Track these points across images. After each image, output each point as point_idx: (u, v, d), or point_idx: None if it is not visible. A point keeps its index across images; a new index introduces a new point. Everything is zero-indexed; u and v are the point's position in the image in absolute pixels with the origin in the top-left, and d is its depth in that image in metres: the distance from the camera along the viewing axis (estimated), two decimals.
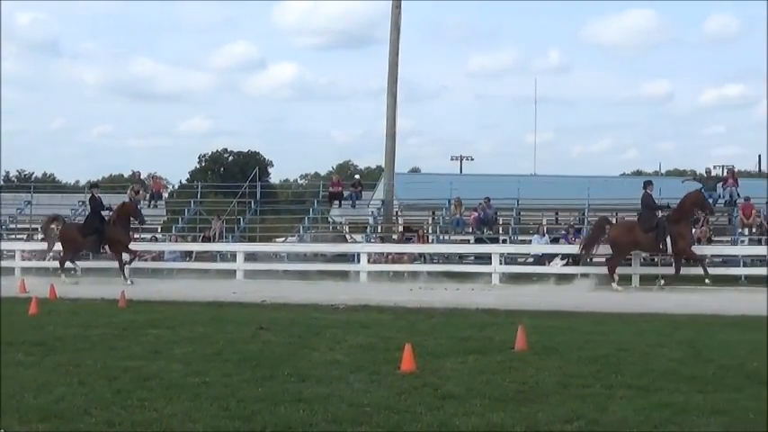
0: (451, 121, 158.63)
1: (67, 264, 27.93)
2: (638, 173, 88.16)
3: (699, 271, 25.58)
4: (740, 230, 30.46)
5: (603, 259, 25.80)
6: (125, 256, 27.70)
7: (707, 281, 24.83)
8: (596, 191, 34.07)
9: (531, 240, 30.88)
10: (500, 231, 33.74)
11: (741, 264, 28.13)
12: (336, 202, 36.76)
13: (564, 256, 28.29)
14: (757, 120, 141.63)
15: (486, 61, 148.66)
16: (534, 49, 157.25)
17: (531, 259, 29.96)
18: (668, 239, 24.86)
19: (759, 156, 74.84)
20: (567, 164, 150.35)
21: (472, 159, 69.81)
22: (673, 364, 10.84)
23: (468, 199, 33.43)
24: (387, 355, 11.34)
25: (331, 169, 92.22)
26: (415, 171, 75.62)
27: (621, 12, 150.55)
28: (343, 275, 28.40)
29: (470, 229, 32.89)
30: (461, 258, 30.90)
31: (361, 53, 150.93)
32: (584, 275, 26.58)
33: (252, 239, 33.92)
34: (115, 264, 27.80)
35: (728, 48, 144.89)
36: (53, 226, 28.90)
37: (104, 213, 28.00)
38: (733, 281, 26.61)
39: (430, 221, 38.18)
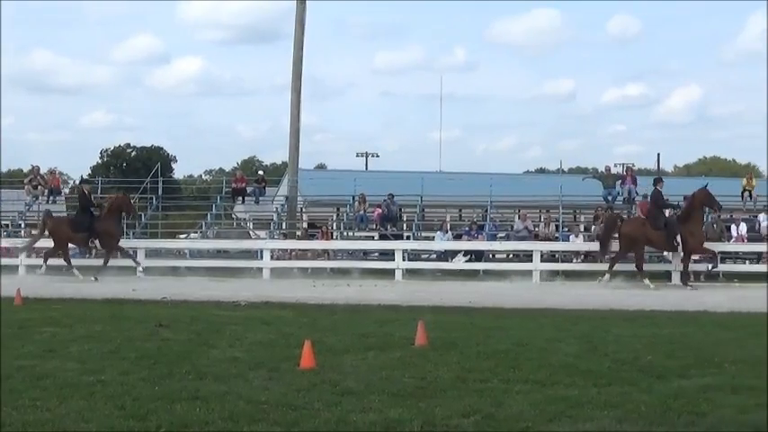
0: (358, 118, 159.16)
1: (50, 261, 27.53)
2: (542, 170, 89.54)
3: (598, 267, 26.16)
4: None
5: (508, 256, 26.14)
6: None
7: (720, 276, 25.99)
8: (499, 188, 34.43)
9: (434, 237, 31.05)
10: (404, 228, 33.93)
11: None
12: (240, 198, 36.52)
13: (466, 253, 28.56)
14: (657, 119, 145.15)
15: (393, 58, 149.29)
16: (440, 47, 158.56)
17: (434, 255, 30.16)
18: (679, 237, 25.19)
19: (658, 154, 76.50)
20: (472, 161, 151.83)
21: (378, 156, 70.05)
22: (569, 358, 11.00)
23: (373, 195, 33.51)
24: (287, 351, 11.29)
25: (236, 165, 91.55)
26: (321, 167, 75.66)
27: (527, 11, 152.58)
28: (247, 272, 28.23)
29: (374, 226, 32.97)
30: (365, 255, 30.98)
31: (267, 48, 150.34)
32: (487, 272, 26.89)
33: (154, 236, 33.51)
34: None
35: (630, 48, 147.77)
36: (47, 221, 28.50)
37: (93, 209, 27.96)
38: (631, 277, 27.12)
39: (334, 218, 38.20)
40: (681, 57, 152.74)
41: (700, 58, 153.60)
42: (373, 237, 32.73)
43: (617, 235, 25.75)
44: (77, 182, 36.86)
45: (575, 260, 28.70)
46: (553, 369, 10.14)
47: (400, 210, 34.41)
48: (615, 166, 37.07)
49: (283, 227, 34.60)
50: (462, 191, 37.06)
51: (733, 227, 29.20)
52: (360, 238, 32.49)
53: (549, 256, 28.96)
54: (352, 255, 30.76)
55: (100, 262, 27.73)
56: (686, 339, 12.85)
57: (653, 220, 25.62)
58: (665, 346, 12.05)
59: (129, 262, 27.97)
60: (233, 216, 38.30)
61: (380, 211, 32.29)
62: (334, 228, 34.64)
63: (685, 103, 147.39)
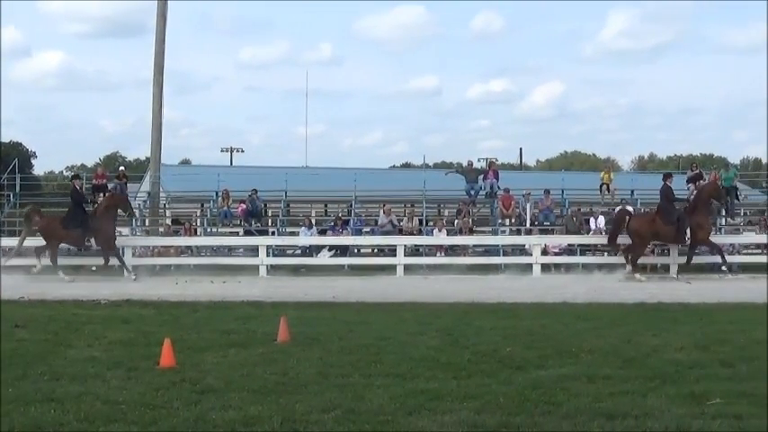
0: (223, 113, 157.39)
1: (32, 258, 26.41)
2: (407, 165, 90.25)
3: (462, 260, 26.54)
4: (500, 221, 31.58)
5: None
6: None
7: (723, 268, 26.09)
8: (364, 183, 34.55)
9: (299, 232, 30.97)
10: (269, 223, 33.74)
11: (501, 253, 29.22)
12: (101, 194, 35.72)
13: (331, 248, 28.59)
14: (519, 114, 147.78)
15: (258, 53, 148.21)
16: (306, 42, 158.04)
17: (299, 251, 30.10)
18: (688, 230, 25.67)
19: (520, 149, 78.05)
20: (338, 156, 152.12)
21: (242, 151, 69.59)
22: (431, 351, 11.12)
23: (237, 191, 33.21)
24: (146, 350, 11.12)
25: (98, 161, 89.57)
26: (186, 163, 74.53)
27: (393, 8, 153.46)
28: (109, 270, 27.66)
29: (239, 222, 32.71)
30: (230, 251, 30.70)
31: (131, 42, 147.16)
32: (352, 267, 26.98)
33: (12, 234, 32.47)
34: None
35: (493, 45, 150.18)
36: (35, 218, 27.25)
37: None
38: (494, 269, 27.64)
39: (198, 213, 37.72)
40: (543, 53, 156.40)
41: (561, 54, 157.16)
42: (238, 233, 32.45)
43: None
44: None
45: (438, 254, 29.00)
46: (414, 362, 10.24)
47: (265, 205, 34.19)
48: (479, 160, 37.65)
49: (146, 223, 34.00)
50: (327, 186, 37.08)
51: (591, 219, 29.97)
52: (224, 234, 32.18)
53: (413, 250, 29.21)
54: (216, 251, 30.45)
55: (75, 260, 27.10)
56: (545, 330, 13.14)
57: (665, 214, 26.09)
58: (524, 338, 12.29)
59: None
60: None
61: (244, 206, 32.04)
62: (198, 224, 34.20)
63: (547, 99, 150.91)
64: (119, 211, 27.54)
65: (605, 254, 29.34)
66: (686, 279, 24.87)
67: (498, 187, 32.60)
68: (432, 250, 29.34)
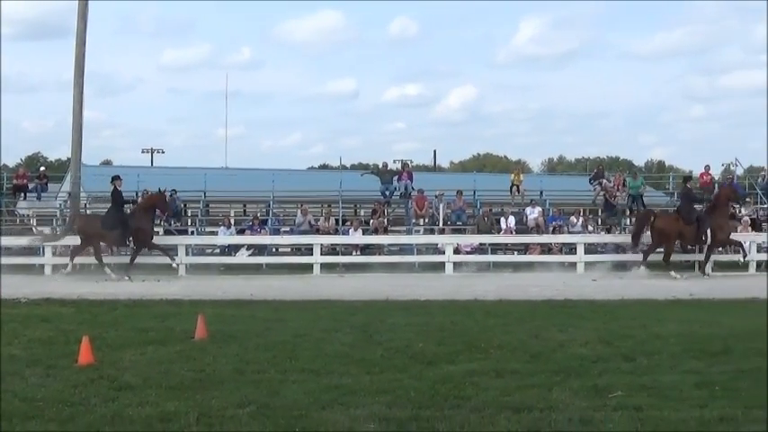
0: (145, 114, 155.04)
1: (74, 261, 25.89)
2: (325, 166, 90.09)
3: (376, 259, 26.63)
4: (414, 221, 31.73)
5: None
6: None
7: (740, 261, 26.62)
8: (282, 183, 34.42)
9: (218, 232, 30.72)
10: (188, 223, 33.43)
11: (415, 251, 29.39)
12: (21, 194, 35.14)
13: (249, 247, 28.44)
14: (434, 117, 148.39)
15: (180, 56, 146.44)
16: (227, 46, 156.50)
17: (217, 250, 29.89)
18: (708, 231, 25.90)
19: (434, 151, 78.54)
20: (257, 157, 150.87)
21: (163, 152, 68.66)
22: (345, 347, 11.16)
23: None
24: (65, 348, 10.99)
25: (20, 161, 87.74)
26: (107, 163, 73.32)
27: (312, 12, 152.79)
28: (29, 269, 27.14)
29: (159, 221, 32.30)
30: (149, 250, 30.27)
31: (54, 44, 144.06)
32: (270, 266, 26.87)
33: None
34: None
35: (409, 49, 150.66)
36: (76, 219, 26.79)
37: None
38: (408, 268, 27.75)
39: None
40: (457, 59, 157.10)
41: (475, 60, 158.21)
42: (158, 232, 32.04)
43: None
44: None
45: (354, 253, 29.03)
46: (329, 358, 10.28)
47: (184, 205, 33.87)
48: (394, 162, 37.67)
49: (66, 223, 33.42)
50: (246, 186, 36.86)
51: (502, 219, 30.26)
52: None
53: (330, 250, 29.21)
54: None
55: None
56: (456, 327, 13.25)
57: (686, 215, 26.23)
58: (436, 334, 12.40)
59: None
60: (15, 213, 36.72)
61: None
62: None
63: (461, 103, 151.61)
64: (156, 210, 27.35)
65: (515, 252, 29.73)
66: (681, 275, 25.45)
67: (412, 188, 32.72)
68: (348, 249, 29.33)
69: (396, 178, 33.47)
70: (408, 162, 36.98)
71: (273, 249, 29.44)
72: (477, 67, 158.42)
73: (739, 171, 36.94)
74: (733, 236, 27.24)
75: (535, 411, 7.70)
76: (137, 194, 32.76)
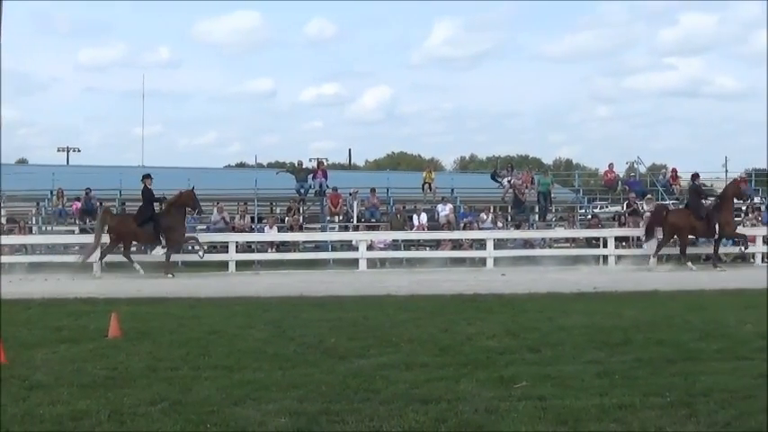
0: (61, 113, 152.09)
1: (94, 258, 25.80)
2: (242, 165, 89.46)
3: (290, 257, 26.52)
4: (329, 218, 31.72)
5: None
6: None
7: (741, 250, 27.86)
8: (198, 182, 34.02)
9: None
10: None
11: (330, 248, 29.42)
12: None
13: (164, 245, 28.11)
14: (350, 116, 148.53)
15: (97, 55, 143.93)
16: (144, 45, 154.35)
17: (133, 248, 29.46)
18: (717, 225, 26.84)
19: (349, 150, 78.65)
20: (175, 156, 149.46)
21: (79, 151, 67.51)
22: (258, 343, 11.10)
23: (73, 190, 32.40)
24: None
25: None
26: (23, 162, 71.82)
27: (230, 12, 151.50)
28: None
29: (74, 220, 31.82)
30: (65, 249, 29.77)
31: None
32: (185, 263, 26.62)
33: None
34: None
35: (326, 50, 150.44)
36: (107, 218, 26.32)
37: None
38: (323, 264, 27.78)
39: (33, 212, 36.45)
40: (373, 59, 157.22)
41: (390, 61, 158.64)
42: (74, 231, 31.53)
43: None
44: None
45: (269, 250, 28.91)
46: (242, 354, 10.21)
47: (100, 204, 33.30)
48: (310, 160, 37.62)
49: None
50: (162, 185, 36.34)
51: (415, 216, 30.44)
52: (60, 233, 31.21)
53: (246, 247, 29.05)
54: (51, 249, 29.47)
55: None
56: (368, 322, 13.24)
57: (696, 210, 27.21)
58: (348, 329, 12.38)
59: None
60: None
61: (79, 205, 31.19)
62: (33, 222, 33.04)
63: (377, 103, 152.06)
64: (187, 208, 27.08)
65: (427, 248, 29.92)
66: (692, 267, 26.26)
67: (327, 186, 32.74)
68: (263, 246, 29.23)
69: (311, 176, 33.44)
70: (324, 160, 36.90)
71: (189, 248, 29.14)
72: (392, 68, 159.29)
73: (642, 169, 37.69)
74: (738, 229, 28.39)
75: (443, 403, 7.75)
76: (51, 193, 32.30)
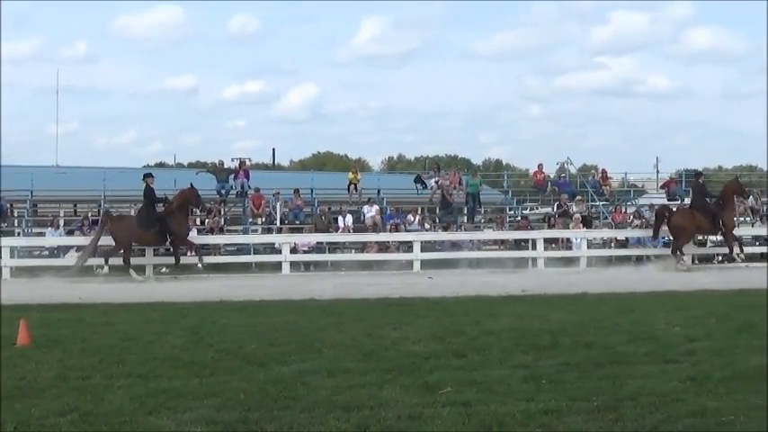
0: None
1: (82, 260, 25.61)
2: (162, 164, 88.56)
3: (211, 260, 26.38)
4: (251, 220, 31.55)
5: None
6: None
7: (741, 257, 28.05)
8: (115, 182, 33.68)
9: (45, 233, 29.80)
10: (15, 224, 32.29)
11: (252, 251, 29.26)
12: None
13: (79, 249, 27.65)
14: (275, 115, 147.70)
15: (8, 49, 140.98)
16: (59, 40, 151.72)
17: (46, 252, 29.01)
18: (721, 222, 27.83)
19: (273, 149, 78.28)
20: (92, 155, 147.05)
21: None
22: (175, 350, 11.01)
23: None
24: None
25: None
26: None
27: (150, 7, 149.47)
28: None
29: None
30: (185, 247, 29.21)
31: None
32: (100, 266, 26.25)
33: None
34: None
35: (250, 46, 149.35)
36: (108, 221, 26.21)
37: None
38: (245, 268, 27.63)
39: None
40: (299, 56, 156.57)
41: (316, 58, 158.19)
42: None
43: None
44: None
45: (188, 253, 28.49)
46: (157, 362, 10.12)
47: (11, 205, 32.71)
48: (233, 160, 37.26)
49: None
50: (77, 185, 35.92)
51: (340, 218, 30.44)
52: None
53: (164, 250, 28.70)
54: None
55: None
56: (290, 327, 13.20)
57: (702, 209, 27.93)
58: (269, 334, 12.34)
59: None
60: None
61: None
62: None
63: (302, 101, 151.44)
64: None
65: (353, 251, 29.92)
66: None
67: (249, 186, 32.54)
68: (182, 250, 28.89)
69: (232, 177, 33.20)
70: (246, 160, 36.58)
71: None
72: (318, 66, 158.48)
73: (572, 170, 38.15)
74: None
75: (365, 409, 7.77)
76: None
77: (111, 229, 25.94)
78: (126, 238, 25.76)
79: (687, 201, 34.08)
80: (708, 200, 28.53)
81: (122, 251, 25.72)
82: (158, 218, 25.81)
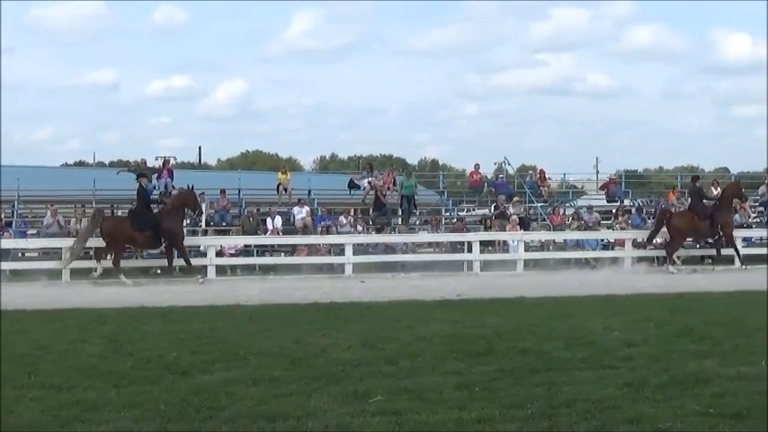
0: None
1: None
2: (81, 163, 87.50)
3: (133, 263, 26.11)
4: None
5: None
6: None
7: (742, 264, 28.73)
8: (30, 182, 33.19)
9: None
10: None
11: (175, 255, 28.93)
12: None
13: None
14: (202, 112, 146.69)
15: None
16: None
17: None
18: (719, 226, 28.55)
19: (199, 147, 77.84)
20: (5, 153, 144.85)
21: None
22: (92, 359, 10.88)
23: None
24: None
25: None
26: None
27: None
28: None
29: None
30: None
31: None
32: (14, 272, 25.84)
33: None
34: None
35: (175, 40, 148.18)
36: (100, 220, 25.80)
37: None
38: (168, 273, 27.35)
39: None
40: (227, 51, 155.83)
41: (245, 52, 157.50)
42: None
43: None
44: None
45: (108, 257, 28.17)
46: (73, 372, 9.99)
47: None
48: (156, 159, 36.95)
49: None
50: None
51: (269, 220, 30.28)
52: None
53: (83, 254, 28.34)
54: None
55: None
56: (215, 334, 13.14)
57: (700, 212, 28.59)
58: (192, 342, 12.27)
59: None
60: None
61: None
62: None
63: (230, 97, 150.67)
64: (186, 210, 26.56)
65: (282, 254, 29.81)
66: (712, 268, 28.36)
67: (173, 186, 32.22)
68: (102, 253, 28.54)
69: (155, 176, 32.85)
70: (171, 159, 36.27)
71: (18, 254, 28.38)
72: (248, 61, 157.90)
73: (510, 170, 38.40)
74: None
75: (291, 420, 7.76)
76: None
77: (104, 230, 25.72)
78: (118, 239, 25.56)
79: (627, 202, 34.77)
80: (707, 203, 29.25)
81: (115, 253, 25.57)
82: (154, 220, 25.69)
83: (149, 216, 25.77)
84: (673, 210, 31.24)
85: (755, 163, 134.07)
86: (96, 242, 25.92)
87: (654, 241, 29.41)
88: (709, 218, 28.55)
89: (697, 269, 28.54)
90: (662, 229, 28.79)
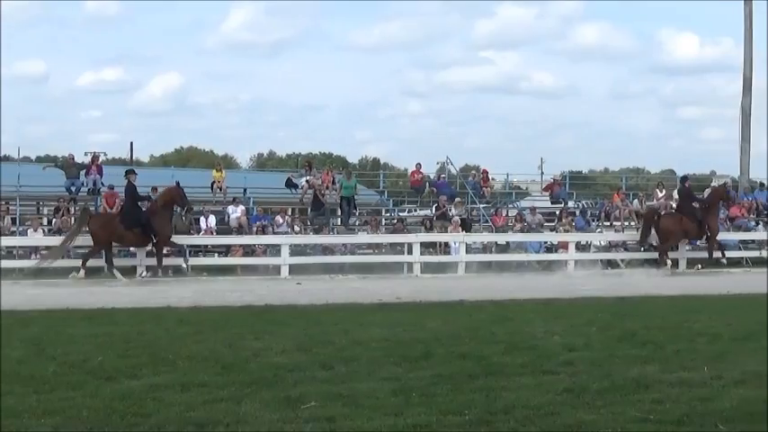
0: None
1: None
2: (6, 158, 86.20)
3: (59, 263, 25.81)
4: None
5: None
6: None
7: (723, 261, 29.68)
8: None
9: None
10: None
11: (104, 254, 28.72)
12: None
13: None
14: (134, 106, 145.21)
15: None
16: None
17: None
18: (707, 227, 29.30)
19: (131, 143, 77.10)
20: None
21: None
22: (11, 363, 10.70)
23: None
24: None
25: None
26: None
27: None
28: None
29: None
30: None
31: None
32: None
33: None
34: None
35: (107, 30, 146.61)
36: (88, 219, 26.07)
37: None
38: (98, 272, 27.08)
39: None
40: (161, 43, 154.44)
41: (181, 45, 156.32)
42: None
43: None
44: None
45: (33, 256, 27.87)
46: None
47: None
48: (85, 154, 36.49)
49: None
50: None
51: (202, 219, 30.12)
52: None
53: (6, 253, 27.98)
54: None
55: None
56: (143, 337, 13.05)
57: (689, 213, 29.37)
58: (119, 346, 12.16)
59: None
60: None
61: None
62: None
63: (164, 91, 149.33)
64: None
65: (216, 254, 29.66)
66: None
67: (102, 183, 31.90)
68: (26, 252, 28.22)
69: (83, 172, 32.50)
70: (100, 154, 35.86)
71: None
72: (183, 53, 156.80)
73: (453, 170, 38.55)
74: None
75: (221, 426, 7.73)
76: None
77: (93, 229, 25.71)
78: (107, 238, 25.66)
79: (571, 203, 35.13)
80: (695, 204, 29.84)
81: (106, 251, 25.79)
82: (144, 217, 25.75)
83: (138, 213, 25.92)
84: (617, 212, 31.69)
85: (701, 165, 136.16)
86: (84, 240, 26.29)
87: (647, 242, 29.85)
88: (698, 220, 29.23)
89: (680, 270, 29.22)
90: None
